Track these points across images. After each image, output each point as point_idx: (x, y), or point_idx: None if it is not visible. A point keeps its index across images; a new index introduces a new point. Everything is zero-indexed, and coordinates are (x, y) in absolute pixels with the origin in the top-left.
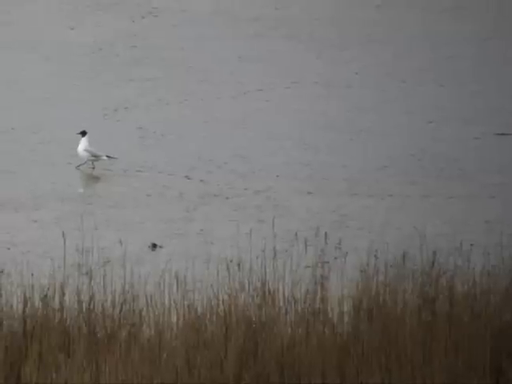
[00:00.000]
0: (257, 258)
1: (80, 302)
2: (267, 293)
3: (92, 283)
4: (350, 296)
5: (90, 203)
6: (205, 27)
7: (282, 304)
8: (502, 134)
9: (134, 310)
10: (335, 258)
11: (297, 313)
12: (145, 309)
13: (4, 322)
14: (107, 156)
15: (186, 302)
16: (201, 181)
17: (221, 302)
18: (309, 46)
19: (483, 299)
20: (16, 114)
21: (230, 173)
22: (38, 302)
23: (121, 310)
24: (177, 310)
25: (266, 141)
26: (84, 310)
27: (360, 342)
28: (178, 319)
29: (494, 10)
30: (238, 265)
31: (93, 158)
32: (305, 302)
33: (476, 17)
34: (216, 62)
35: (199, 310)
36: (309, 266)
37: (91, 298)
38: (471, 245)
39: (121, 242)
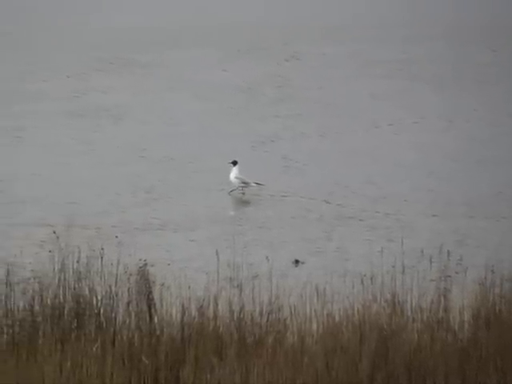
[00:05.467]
0: (387, 272)
1: (231, 312)
2: (397, 303)
3: (242, 295)
4: (470, 306)
5: (241, 224)
6: (341, 68)
7: (409, 313)
8: None
9: (279, 319)
10: (456, 273)
11: (423, 321)
12: (289, 318)
13: (164, 330)
14: (255, 183)
15: (325, 312)
16: (338, 205)
17: (356, 312)
18: (432, 86)
19: None
20: (174, 146)
21: (364, 198)
22: (194, 312)
23: (267, 319)
24: (317, 318)
25: (395, 169)
26: (235, 318)
27: (478, 347)
28: (318, 327)
29: None
30: (371, 279)
31: (243, 184)
32: (430, 312)
33: None
34: (350, 99)
35: (337, 318)
36: (433, 280)
37: (241, 308)
38: None
39: (267, 258)
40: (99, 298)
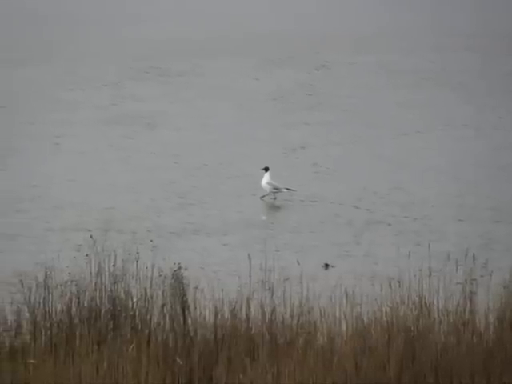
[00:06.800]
0: (414, 276)
1: (263, 314)
2: (424, 306)
3: (273, 297)
4: (495, 308)
5: (272, 229)
6: (369, 77)
7: (436, 315)
8: None
9: (309, 321)
10: (482, 276)
11: (449, 323)
12: (319, 319)
13: (198, 331)
14: (287, 188)
15: (354, 314)
16: (366, 210)
17: (384, 314)
18: (459, 94)
19: None
20: (208, 153)
21: (392, 203)
22: (227, 314)
23: (298, 321)
24: (346, 320)
25: (423, 175)
26: (267, 320)
27: (503, 348)
28: (347, 328)
29: None
30: (399, 282)
31: (274, 190)
32: (456, 314)
33: None
34: (379, 107)
35: (365, 320)
36: (459, 283)
37: (273, 310)
38: None
39: (298, 262)
40: (135, 300)
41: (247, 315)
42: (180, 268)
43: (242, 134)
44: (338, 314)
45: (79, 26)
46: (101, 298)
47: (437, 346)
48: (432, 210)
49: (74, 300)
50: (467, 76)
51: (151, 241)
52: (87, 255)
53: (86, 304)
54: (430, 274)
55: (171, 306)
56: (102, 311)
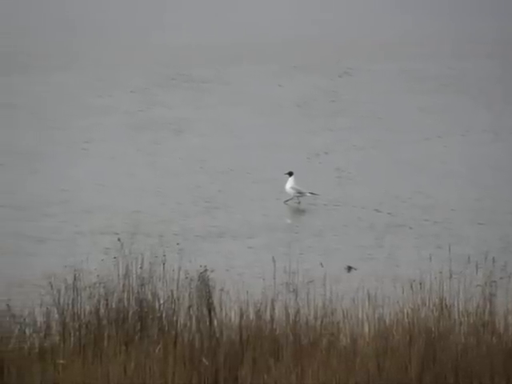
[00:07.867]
0: (435, 278)
1: (287, 315)
2: (444, 307)
3: (297, 299)
4: None
5: (296, 232)
6: (390, 83)
7: (456, 317)
8: None
9: (332, 322)
10: (501, 278)
11: (469, 324)
12: (341, 321)
13: (224, 332)
14: (310, 193)
15: (376, 315)
16: (388, 213)
17: (405, 315)
18: (478, 100)
19: None
20: (234, 158)
21: (413, 206)
22: (252, 315)
23: (321, 322)
24: (368, 321)
25: (443, 179)
26: (291, 321)
27: None
28: (369, 329)
29: None
30: (420, 284)
31: (298, 194)
32: (476, 315)
33: None
34: (400, 113)
35: (387, 321)
36: (479, 285)
37: (297, 311)
38: None
39: (321, 264)
40: (161, 302)
41: (272, 316)
42: (206, 270)
43: (267, 139)
44: (360, 316)
45: (107, 33)
46: (128, 299)
47: (457, 346)
48: (452, 213)
49: (102, 302)
50: (486, 82)
51: (178, 244)
52: (115, 258)
53: (113, 305)
54: (451, 276)
55: (197, 308)
56: (130, 313)
